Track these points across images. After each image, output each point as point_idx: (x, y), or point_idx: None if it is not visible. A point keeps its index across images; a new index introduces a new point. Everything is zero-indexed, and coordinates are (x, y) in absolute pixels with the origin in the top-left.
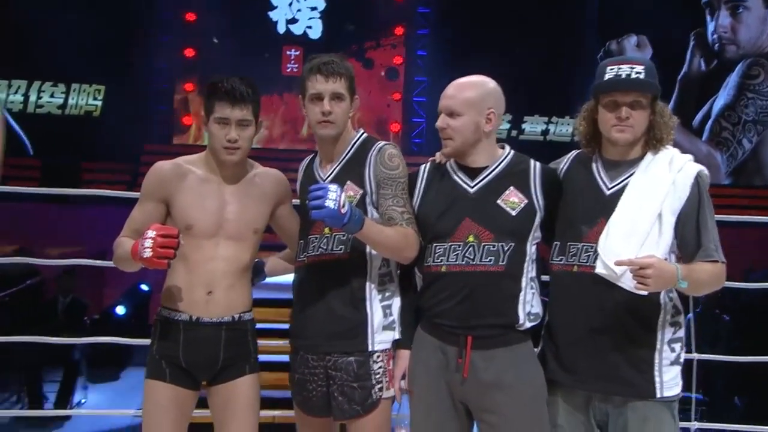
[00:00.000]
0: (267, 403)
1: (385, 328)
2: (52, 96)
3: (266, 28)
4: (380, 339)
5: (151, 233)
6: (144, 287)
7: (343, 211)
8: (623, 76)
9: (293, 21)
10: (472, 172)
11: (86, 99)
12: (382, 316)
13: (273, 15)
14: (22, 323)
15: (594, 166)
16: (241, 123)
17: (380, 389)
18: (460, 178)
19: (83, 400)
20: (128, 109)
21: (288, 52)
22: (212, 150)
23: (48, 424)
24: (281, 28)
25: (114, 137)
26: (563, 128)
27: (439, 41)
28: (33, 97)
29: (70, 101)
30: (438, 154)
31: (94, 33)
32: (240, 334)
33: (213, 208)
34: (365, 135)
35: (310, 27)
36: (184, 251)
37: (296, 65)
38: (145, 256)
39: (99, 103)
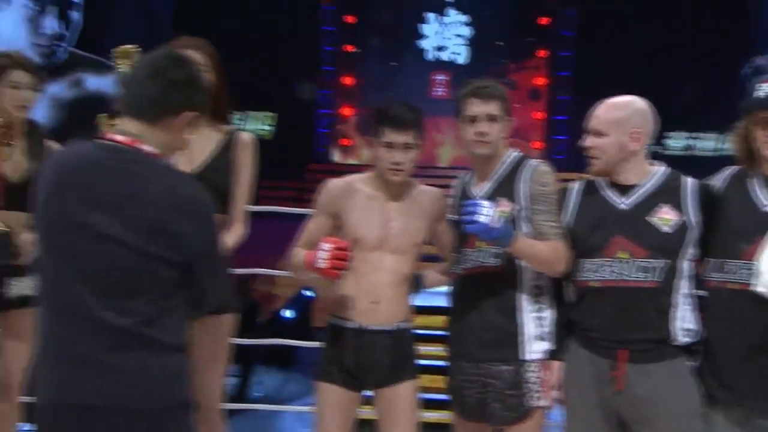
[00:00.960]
0: (427, 405)
1: (538, 338)
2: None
3: (416, 55)
4: (534, 349)
5: (326, 246)
6: (308, 293)
7: (495, 226)
8: None
9: (441, 48)
10: (623, 189)
11: (259, 125)
12: (534, 326)
13: (423, 44)
14: None
15: (751, 183)
16: (406, 146)
17: (535, 398)
18: (610, 195)
19: (258, 395)
20: (294, 133)
21: (435, 77)
22: (379, 170)
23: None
24: (429, 56)
25: (282, 158)
26: (707, 143)
27: (581, 62)
28: None
29: (247, 127)
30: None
31: (267, 66)
32: (402, 342)
33: (378, 223)
34: (519, 154)
35: (457, 53)
36: (351, 263)
37: (443, 89)
38: (319, 267)
39: (270, 128)
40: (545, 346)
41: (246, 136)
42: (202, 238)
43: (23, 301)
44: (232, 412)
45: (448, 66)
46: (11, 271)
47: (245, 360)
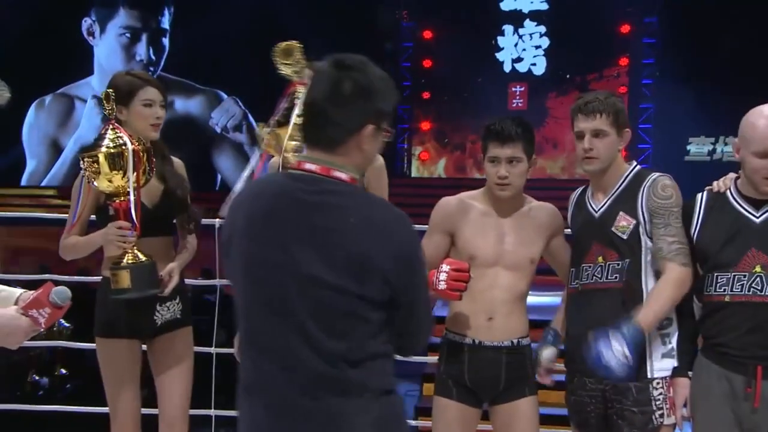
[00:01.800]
0: (548, 420)
1: (665, 355)
2: None
3: (494, 67)
4: (660, 366)
5: (445, 267)
6: None
7: (627, 357)
8: None
9: (518, 60)
10: (757, 202)
11: None
12: (660, 343)
13: (500, 56)
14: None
15: None
16: (510, 160)
17: (661, 415)
18: (744, 208)
19: None
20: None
21: (513, 89)
22: (488, 186)
23: None
24: (507, 67)
25: None
26: None
27: (664, 69)
28: None
29: None
30: (716, 183)
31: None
32: (519, 358)
33: (493, 240)
34: (639, 167)
35: (534, 64)
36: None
37: (521, 100)
38: (439, 288)
39: None
40: (672, 363)
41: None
42: (411, 276)
43: (170, 326)
44: None
45: (526, 77)
46: (159, 299)
47: None
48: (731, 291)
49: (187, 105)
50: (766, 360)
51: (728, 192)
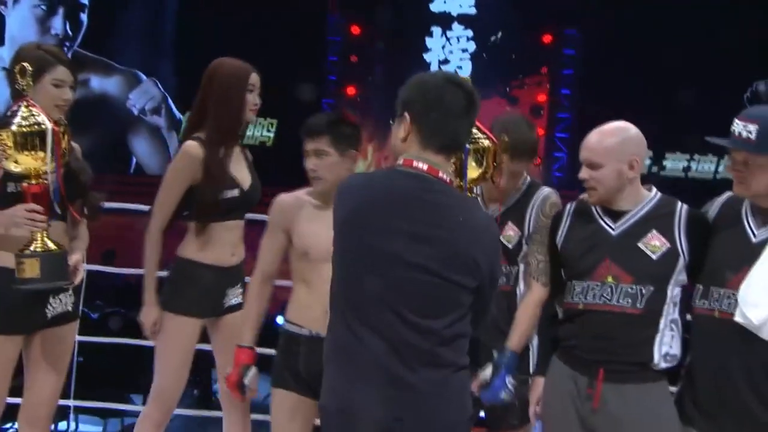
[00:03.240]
0: None
1: None
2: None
3: (420, 68)
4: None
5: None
6: None
7: (513, 384)
8: (735, 133)
9: (445, 62)
10: (616, 215)
11: (261, 131)
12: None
13: (427, 57)
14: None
15: (744, 211)
16: (317, 153)
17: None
18: (604, 221)
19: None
20: (297, 140)
21: None
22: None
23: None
24: (434, 68)
25: (284, 165)
26: (706, 165)
27: (582, 80)
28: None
29: (248, 133)
30: (584, 195)
31: (270, 73)
32: None
33: (326, 234)
34: (532, 179)
35: (460, 67)
36: (303, 274)
37: None
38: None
39: (272, 134)
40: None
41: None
42: (493, 265)
43: (60, 319)
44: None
45: None
46: (54, 290)
47: None
48: (585, 299)
49: (104, 84)
50: (608, 363)
51: (594, 206)
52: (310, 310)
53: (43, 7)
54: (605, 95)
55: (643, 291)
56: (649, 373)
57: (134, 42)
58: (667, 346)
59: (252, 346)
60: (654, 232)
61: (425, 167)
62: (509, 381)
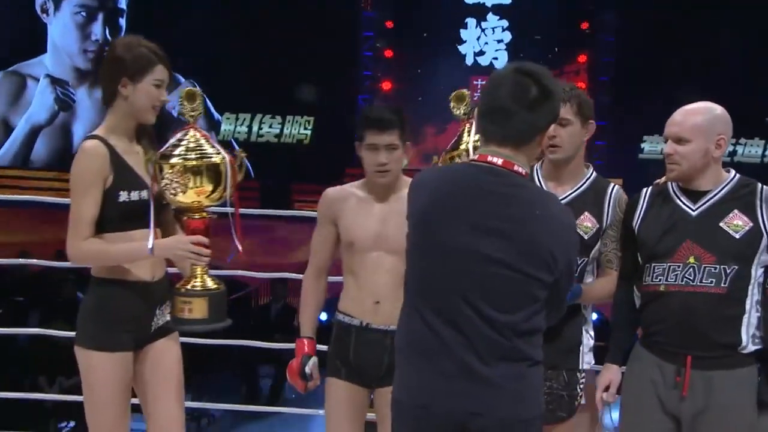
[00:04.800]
0: None
1: (589, 350)
2: (270, 126)
3: (456, 60)
4: (587, 360)
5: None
6: None
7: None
8: None
9: (481, 53)
10: (695, 195)
11: (299, 129)
12: (587, 339)
13: (462, 49)
14: (239, 326)
15: None
16: (389, 147)
17: (580, 398)
18: (682, 201)
19: (294, 396)
20: (333, 137)
21: (475, 82)
22: (366, 173)
23: (264, 417)
24: (469, 60)
25: (320, 162)
26: (753, 149)
27: (622, 68)
28: (255, 128)
29: (285, 131)
30: (659, 180)
31: (307, 71)
32: None
33: (372, 224)
34: (596, 174)
35: (496, 58)
36: (352, 266)
37: None
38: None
39: (309, 132)
40: (591, 358)
41: None
42: (570, 260)
43: (162, 332)
44: (268, 414)
45: (488, 71)
46: (161, 302)
47: (280, 363)
48: (666, 281)
49: None
50: (696, 350)
51: (670, 186)
52: (359, 301)
53: (83, 13)
54: (645, 82)
55: (727, 270)
56: (738, 357)
57: (172, 45)
58: (754, 327)
59: (312, 337)
60: (736, 211)
61: (500, 161)
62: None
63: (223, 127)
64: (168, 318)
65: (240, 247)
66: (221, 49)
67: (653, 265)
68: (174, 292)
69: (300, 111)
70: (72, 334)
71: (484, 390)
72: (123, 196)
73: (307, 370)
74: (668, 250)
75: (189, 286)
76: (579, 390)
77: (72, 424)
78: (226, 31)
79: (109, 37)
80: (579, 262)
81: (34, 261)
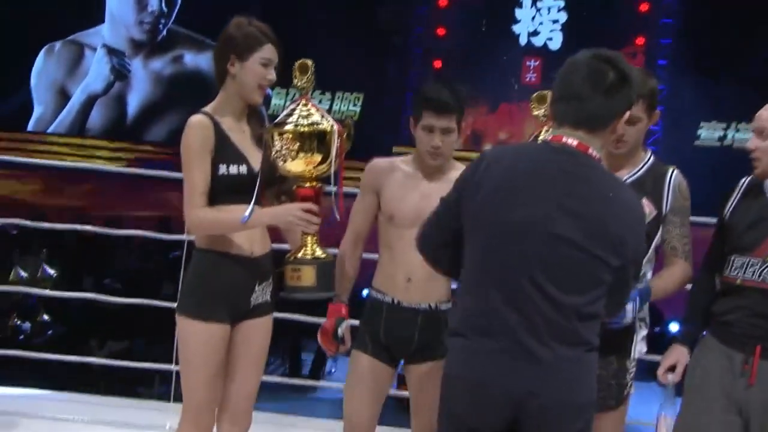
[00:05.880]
0: None
1: (642, 339)
2: (320, 102)
3: (509, 40)
4: (639, 348)
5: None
6: None
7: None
8: None
9: (535, 33)
10: None
11: (348, 105)
12: (640, 328)
13: (516, 28)
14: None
15: None
16: (445, 131)
17: (630, 388)
18: None
19: (333, 370)
20: (383, 115)
21: (528, 63)
22: (419, 153)
23: (306, 390)
24: (523, 40)
25: (369, 139)
26: None
27: (680, 51)
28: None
29: (334, 107)
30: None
31: (356, 48)
32: (435, 322)
33: (414, 200)
34: (655, 159)
35: (550, 39)
36: (388, 240)
37: (534, 75)
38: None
39: (358, 108)
40: (644, 346)
41: None
42: (638, 246)
43: (260, 310)
44: (308, 389)
45: (542, 52)
46: (260, 278)
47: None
48: (744, 275)
49: (197, 60)
50: (766, 340)
51: (766, 181)
52: (392, 278)
53: None
54: (703, 67)
55: None
56: None
57: (226, 18)
58: None
59: (345, 301)
60: None
61: (575, 143)
62: (633, 308)
63: (273, 101)
64: (268, 297)
65: (338, 216)
66: (271, 23)
67: (734, 257)
68: (285, 261)
69: (350, 87)
70: (125, 300)
71: (541, 371)
72: (222, 169)
73: (340, 332)
74: (750, 244)
75: (299, 255)
76: (629, 379)
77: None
78: (278, 7)
79: (165, 9)
80: None
81: (89, 227)
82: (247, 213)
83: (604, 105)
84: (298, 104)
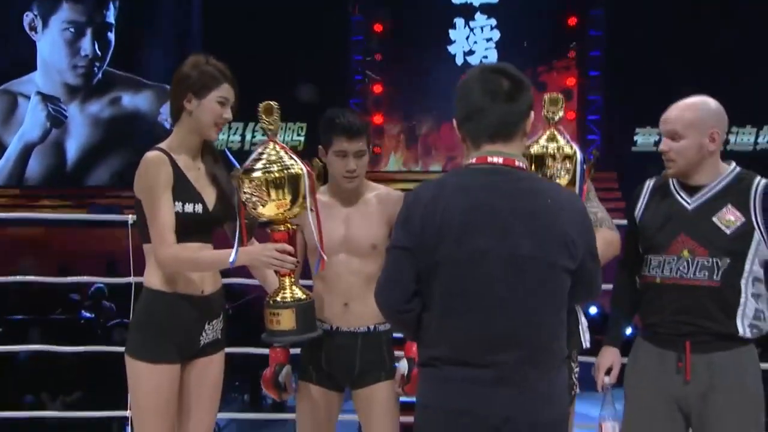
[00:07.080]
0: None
1: (584, 331)
2: (263, 134)
3: (446, 61)
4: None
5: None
6: None
7: None
8: None
9: (470, 53)
10: (693, 190)
11: (291, 135)
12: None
13: (451, 49)
14: (244, 334)
15: None
16: (358, 154)
17: (576, 388)
18: (680, 196)
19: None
20: None
21: None
22: (333, 178)
23: (267, 425)
24: (459, 60)
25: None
26: (744, 138)
27: (610, 61)
28: (248, 136)
29: (279, 138)
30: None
31: (298, 77)
32: (375, 344)
33: (335, 227)
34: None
35: (485, 57)
36: (319, 271)
37: None
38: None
39: (302, 138)
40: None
41: None
42: (589, 242)
43: (211, 347)
44: (271, 421)
45: None
46: (211, 316)
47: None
48: (661, 273)
49: (135, 101)
50: (693, 335)
51: (671, 180)
52: (328, 305)
53: (72, 29)
54: (635, 75)
55: (719, 264)
56: (736, 340)
57: (162, 57)
58: (750, 318)
59: (287, 347)
60: (729, 206)
61: (500, 160)
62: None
63: (221, 136)
64: (219, 335)
65: (325, 256)
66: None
67: (650, 257)
68: (264, 304)
69: (292, 117)
70: (72, 348)
71: (519, 395)
72: (178, 206)
73: (281, 379)
74: (664, 243)
75: (277, 298)
76: (574, 379)
77: None
78: (216, 43)
79: (98, 53)
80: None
81: (31, 278)
82: (233, 255)
83: (508, 111)
84: (266, 147)
